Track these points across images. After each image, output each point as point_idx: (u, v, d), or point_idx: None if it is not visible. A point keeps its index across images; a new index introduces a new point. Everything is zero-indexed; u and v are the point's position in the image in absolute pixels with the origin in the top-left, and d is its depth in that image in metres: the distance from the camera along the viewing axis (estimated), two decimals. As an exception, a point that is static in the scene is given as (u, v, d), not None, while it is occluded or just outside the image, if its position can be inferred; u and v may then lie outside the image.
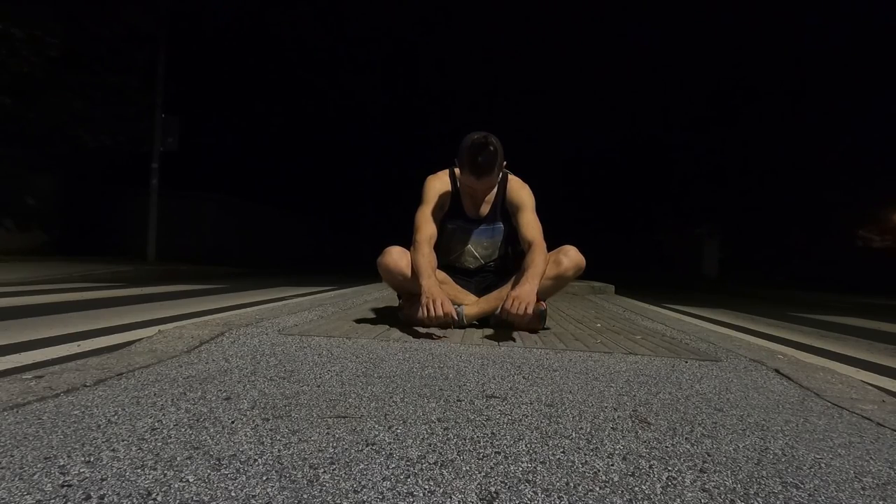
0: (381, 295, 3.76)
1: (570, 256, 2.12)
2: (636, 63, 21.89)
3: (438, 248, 2.23)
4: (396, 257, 2.06)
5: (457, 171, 2.23)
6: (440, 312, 1.81)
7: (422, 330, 1.94)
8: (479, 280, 2.30)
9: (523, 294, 1.85)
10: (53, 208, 10.72)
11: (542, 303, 2.09)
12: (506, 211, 2.26)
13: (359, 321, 2.19)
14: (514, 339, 1.85)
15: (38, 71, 8.69)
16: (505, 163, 2.15)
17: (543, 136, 23.03)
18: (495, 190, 2.25)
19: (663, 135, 20.71)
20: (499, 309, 1.99)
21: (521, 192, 2.24)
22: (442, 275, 2.18)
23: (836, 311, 5.47)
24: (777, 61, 16.37)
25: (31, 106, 8.94)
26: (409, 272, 2.01)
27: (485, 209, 2.27)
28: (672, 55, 19.77)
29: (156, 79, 9.75)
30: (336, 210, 21.02)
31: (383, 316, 2.43)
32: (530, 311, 1.85)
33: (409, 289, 2.04)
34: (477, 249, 2.29)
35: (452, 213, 2.26)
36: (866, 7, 14.63)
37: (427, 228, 2.10)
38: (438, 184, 2.23)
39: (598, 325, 2.48)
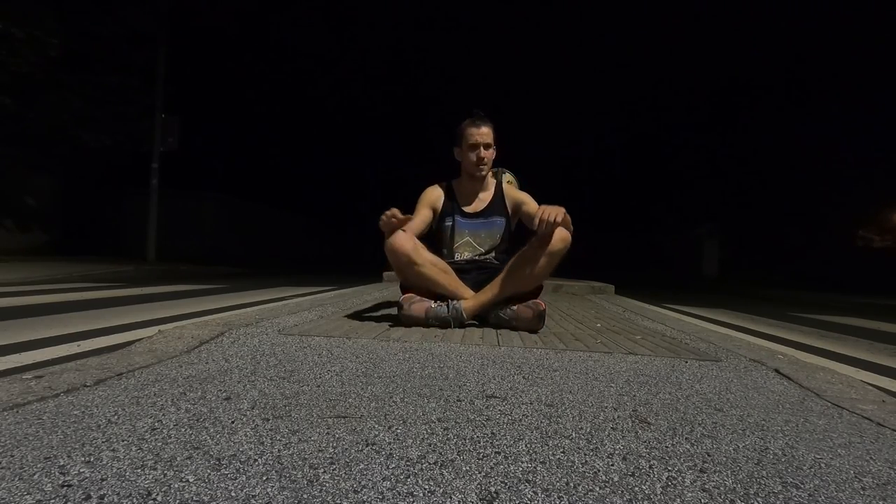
0: (381, 295, 3.76)
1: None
2: (636, 62, 21.90)
3: (439, 243, 2.38)
4: (402, 240, 2.13)
5: (458, 174, 2.43)
6: (390, 213, 1.97)
7: (422, 330, 1.94)
8: (477, 275, 2.31)
9: (554, 207, 1.97)
10: (53, 208, 10.73)
11: (542, 303, 2.09)
12: (504, 206, 2.41)
13: (359, 321, 2.20)
14: (514, 340, 1.85)
15: (38, 71, 8.70)
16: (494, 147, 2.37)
17: (543, 136, 23.05)
18: (492, 189, 2.45)
19: (663, 134, 20.72)
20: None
21: (517, 191, 2.46)
22: (443, 264, 2.21)
23: (835, 311, 5.47)
24: (777, 60, 16.38)
25: (31, 106, 8.94)
26: (414, 255, 2.09)
27: (479, 206, 2.42)
28: (672, 54, 19.77)
29: (156, 79, 9.75)
30: (336, 210, 21.03)
31: (383, 316, 2.43)
32: (559, 218, 1.93)
33: (415, 272, 2.10)
34: (475, 240, 2.39)
35: (449, 210, 2.41)
36: (867, 7, 14.63)
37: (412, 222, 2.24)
38: (432, 191, 2.44)
39: (598, 325, 2.48)
